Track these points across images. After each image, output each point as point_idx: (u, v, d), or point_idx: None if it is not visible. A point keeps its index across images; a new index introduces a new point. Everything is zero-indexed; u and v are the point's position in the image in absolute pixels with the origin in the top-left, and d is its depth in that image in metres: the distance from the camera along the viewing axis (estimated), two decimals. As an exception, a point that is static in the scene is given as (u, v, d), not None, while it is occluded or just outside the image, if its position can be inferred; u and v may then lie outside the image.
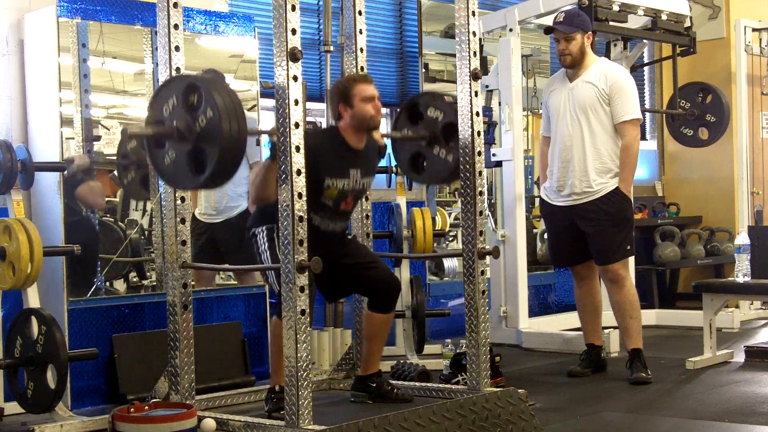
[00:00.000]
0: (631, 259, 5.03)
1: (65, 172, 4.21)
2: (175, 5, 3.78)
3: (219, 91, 3.19)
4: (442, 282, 6.30)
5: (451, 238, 6.54)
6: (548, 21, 5.36)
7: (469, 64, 3.95)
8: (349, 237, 4.29)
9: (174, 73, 3.76)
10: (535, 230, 6.85)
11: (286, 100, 3.28)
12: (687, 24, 6.20)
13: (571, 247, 4.83)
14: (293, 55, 3.27)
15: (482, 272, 3.96)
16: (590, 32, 4.79)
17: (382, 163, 4.70)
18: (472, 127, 3.94)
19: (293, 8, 3.28)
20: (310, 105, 5.66)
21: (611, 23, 5.63)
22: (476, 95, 3.96)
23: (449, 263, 6.34)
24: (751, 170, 7.28)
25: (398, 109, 6.74)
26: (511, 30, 5.87)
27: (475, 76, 3.95)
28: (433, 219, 5.36)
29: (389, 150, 4.53)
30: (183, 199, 3.84)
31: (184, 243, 3.84)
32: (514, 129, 5.79)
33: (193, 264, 3.91)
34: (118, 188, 4.68)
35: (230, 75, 4.98)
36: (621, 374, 4.70)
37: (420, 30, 6.56)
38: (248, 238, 3.99)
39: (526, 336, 5.76)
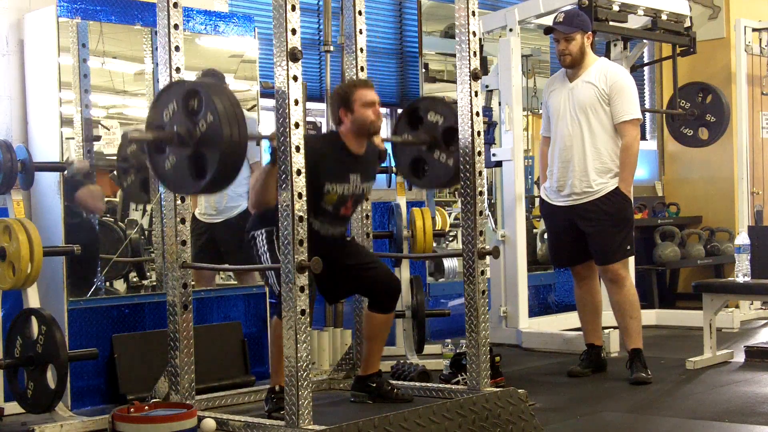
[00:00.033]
0: (631, 259, 5.03)
1: (65, 173, 4.21)
2: (175, 5, 3.78)
3: (219, 95, 3.20)
4: (442, 282, 6.30)
5: (451, 238, 6.54)
6: (548, 21, 5.36)
7: (469, 64, 3.95)
8: (348, 239, 4.29)
9: (174, 73, 3.76)
10: (535, 230, 6.85)
11: (286, 100, 3.28)
12: (687, 24, 6.20)
13: (571, 247, 4.83)
14: (293, 55, 3.27)
15: (482, 272, 3.96)
16: (590, 32, 4.79)
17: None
18: (472, 127, 3.94)
19: (293, 8, 3.28)
20: (310, 105, 5.66)
21: (611, 23, 5.63)
22: (476, 95, 3.96)
23: (449, 263, 6.34)
24: (751, 170, 7.28)
25: (398, 110, 6.78)
26: (511, 30, 5.87)
27: (475, 76, 3.95)
28: (433, 219, 5.36)
29: (390, 153, 4.53)
30: (183, 199, 3.84)
31: (184, 243, 3.84)
32: (514, 129, 5.79)
33: (193, 264, 3.91)
34: (118, 188, 4.68)
35: (230, 75, 4.99)
36: (621, 374, 4.70)
37: (420, 30, 6.56)
38: (247, 241, 3.99)
39: (526, 336, 5.76)
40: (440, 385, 4.27)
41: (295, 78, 3.29)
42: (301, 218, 3.28)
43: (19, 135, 4.35)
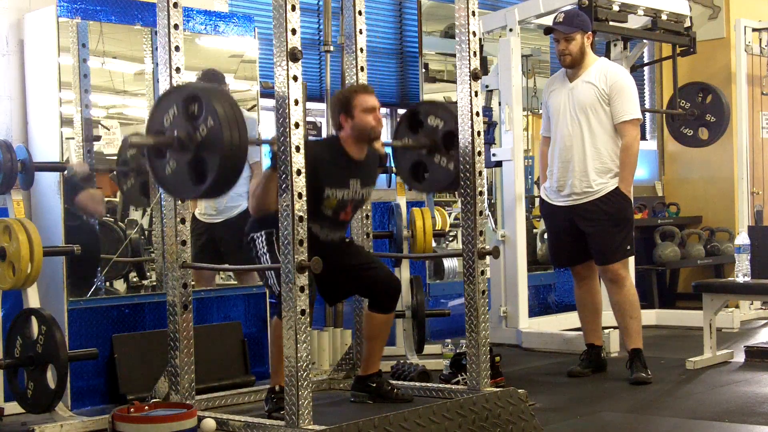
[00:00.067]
0: (631, 259, 5.03)
1: (65, 173, 4.21)
2: (175, 5, 3.78)
3: (219, 100, 3.20)
4: (442, 282, 6.30)
5: (451, 238, 6.54)
6: (548, 21, 5.37)
7: (469, 64, 3.95)
8: (347, 240, 4.29)
9: (174, 73, 3.76)
10: (535, 230, 6.85)
11: (286, 100, 3.28)
12: (687, 24, 6.20)
13: (571, 247, 4.83)
14: (293, 55, 3.27)
15: (482, 272, 3.96)
16: (590, 32, 4.79)
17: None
18: (472, 127, 3.94)
19: (293, 8, 3.28)
20: (310, 105, 5.67)
21: (611, 23, 5.63)
22: (476, 95, 3.96)
23: (449, 263, 6.34)
24: (751, 170, 7.29)
25: (398, 110, 6.78)
26: (511, 30, 5.87)
27: (475, 76, 3.95)
28: (433, 219, 5.36)
29: (390, 156, 4.54)
30: (183, 200, 3.84)
31: (184, 243, 3.84)
32: (514, 129, 5.79)
33: (193, 264, 3.91)
34: (117, 188, 4.68)
35: (230, 75, 4.99)
36: (621, 374, 4.70)
37: (420, 30, 6.56)
38: (246, 243, 3.99)
39: (526, 336, 5.76)
40: (440, 385, 4.27)
41: (295, 78, 3.29)
42: (301, 218, 3.28)
43: (19, 135, 4.35)
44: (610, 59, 5.66)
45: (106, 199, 4.62)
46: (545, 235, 6.16)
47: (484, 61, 5.79)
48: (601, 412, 4.04)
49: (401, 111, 6.79)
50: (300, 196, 3.28)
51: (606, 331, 5.13)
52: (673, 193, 8.24)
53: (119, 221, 4.66)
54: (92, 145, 4.48)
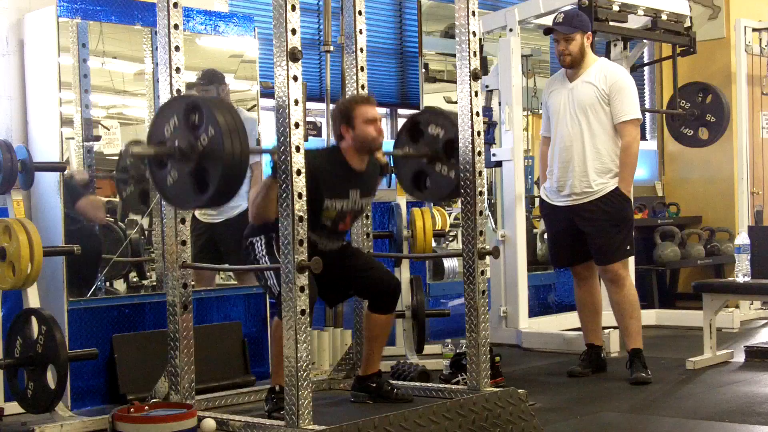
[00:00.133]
0: (631, 259, 5.03)
1: (65, 174, 4.21)
2: (175, 5, 3.78)
3: (220, 109, 3.21)
4: (442, 282, 6.30)
5: (451, 238, 6.54)
6: (548, 21, 5.36)
7: (469, 64, 3.95)
8: (345, 243, 4.29)
9: (174, 73, 3.76)
10: (535, 230, 6.85)
11: (286, 100, 3.28)
12: (687, 24, 6.21)
13: (571, 247, 4.83)
14: (293, 55, 3.27)
15: (482, 272, 3.96)
16: (590, 32, 4.79)
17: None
18: (472, 127, 3.94)
19: (293, 8, 3.28)
20: (310, 105, 5.67)
21: (611, 23, 5.63)
22: (476, 95, 3.96)
23: (449, 263, 6.34)
24: (751, 170, 7.29)
25: (398, 109, 6.78)
26: (511, 30, 5.87)
27: (475, 76, 3.95)
28: (433, 219, 5.36)
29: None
30: (184, 210, 3.84)
31: (184, 243, 3.84)
32: (514, 129, 5.79)
33: (193, 264, 3.91)
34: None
35: (230, 75, 4.99)
36: (621, 374, 4.70)
37: (420, 30, 6.56)
38: (245, 247, 4.00)
39: (526, 336, 5.76)
40: (440, 385, 4.27)
41: (295, 78, 3.29)
42: (301, 218, 3.27)
43: (19, 135, 4.35)
44: (610, 59, 5.66)
45: (106, 199, 4.62)
46: (545, 235, 6.16)
47: (484, 61, 5.79)
48: (601, 412, 4.04)
49: (401, 111, 6.81)
50: (300, 196, 3.28)
51: (606, 331, 5.13)
52: (673, 193, 8.24)
53: (119, 221, 4.65)
54: (92, 145, 4.48)
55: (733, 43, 7.21)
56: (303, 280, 3.27)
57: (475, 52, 3.95)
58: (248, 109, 4.99)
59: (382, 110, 6.68)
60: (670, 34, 6.14)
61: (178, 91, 3.78)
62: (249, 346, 4.77)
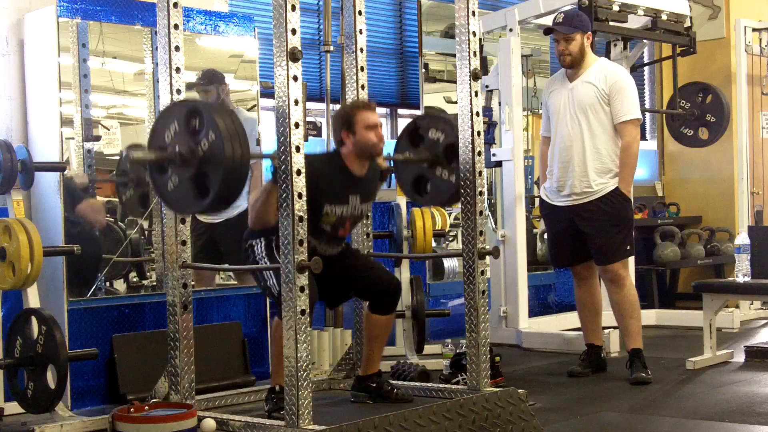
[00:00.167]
0: (631, 259, 5.03)
1: (65, 173, 4.21)
2: (175, 5, 3.78)
3: (220, 114, 3.21)
4: (442, 282, 6.30)
5: (451, 238, 6.54)
6: (548, 21, 5.36)
7: (469, 64, 3.95)
8: (344, 245, 4.29)
9: (174, 73, 3.76)
10: (535, 230, 6.85)
11: (286, 100, 3.28)
12: (687, 24, 6.21)
13: (571, 247, 4.83)
14: (293, 55, 3.27)
15: (482, 272, 3.96)
16: (590, 32, 4.79)
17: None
18: (472, 127, 3.94)
19: (293, 8, 3.28)
20: (310, 105, 5.67)
21: (611, 23, 5.63)
22: (476, 95, 3.96)
23: (449, 263, 6.34)
24: (751, 170, 7.28)
25: (398, 109, 6.78)
26: (511, 30, 5.87)
27: (475, 76, 3.95)
28: (433, 219, 5.36)
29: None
30: (185, 215, 3.84)
31: (184, 243, 3.84)
32: (514, 129, 5.79)
33: (193, 264, 3.91)
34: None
35: (230, 75, 4.99)
36: (621, 374, 4.70)
37: (420, 30, 6.56)
38: (244, 250, 4.00)
39: (526, 336, 5.76)
40: (440, 385, 4.27)
41: (295, 78, 3.29)
42: (301, 218, 3.27)
43: (19, 135, 4.35)
44: (610, 59, 5.66)
45: (106, 199, 4.62)
46: (545, 235, 6.16)
47: (484, 61, 5.79)
48: (601, 412, 4.04)
49: (401, 111, 6.81)
50: (300, 196, 3.28)
51: (606, 331, 5.13)
52: (673, 193, 8.24)
53: (119, 221, 4.65)
54: (92, 145, 4.48)
55: (733, 43, 7.21)
56: (303, 280, 3.27)
57: (475, 52, 3.95)
58: (248, 109, 4.99)
59: (382, 110, 6.68)
60: (670, 34, 6.14)
61: (178, 91, 3.78)
62: (249, 346, 4.77)
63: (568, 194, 4.74)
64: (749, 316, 6.58)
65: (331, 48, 5.34)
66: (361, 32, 4.44)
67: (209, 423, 3.61)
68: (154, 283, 4.67)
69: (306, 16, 5.88)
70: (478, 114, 3.96)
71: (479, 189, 3.95)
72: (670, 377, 4.71)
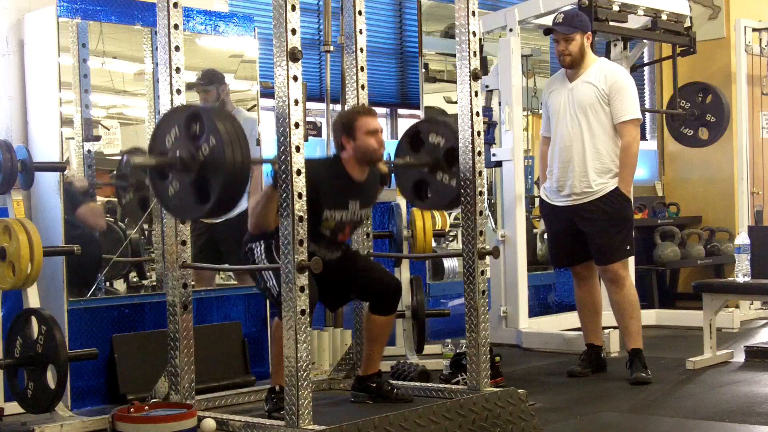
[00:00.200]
0: (631, 259, 5.03)
1: (65, 174, 4.21)
2: (175, 5, 3.78)
3: (221, 119, 3.21)
4: (442, 282, 6.30)
5: (451, 238, 6.54)
6: (548, 21, 5.37)
7: (469, 64, 3.95)
8: (344, 248, 4.29)
9: (174, 73, 3.76)
10: (535, 230, 6.85)
11: (286, 100, 3.28)
12: (687, 24, 6.21)
13: (571, 247, 4.83)
14: (293, 55, 3.27)
15: (482, 272, 3.96)
16: (590, 32, 4.79)
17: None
18: (472, 127, 3.94)
19: (293, 8, 3.28)
20: (310, 105, 5.66)
21: (611, 23, 5.63)
22: (476, 95, 3.96)
23: (449, 263, 6.34)
24: (751, 170, 7.29)
25: (398, 109, 6.78)
26: (511, 30, 5.87)
27: (475, 76, 3.95)
28: (433, 219, 5.37)
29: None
30: (186, 220, 3.84)
31: (184, 243, 3.84)
32: (514, 129, 5.79)
33: (193, 264, 3.91)
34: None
35: (230, 75, 4.99)
36: (621, 374, 4.70)
37: (420, 30, 6.56)
38: (244, 253, 4.00)
39: (526, 336, 5.76)
40: (440, 385, 4.27)
41: (295, 78, 3.29)
42: (301, 218, 3.28)
43: (19, 135, 4.35)
44: (610, 59, 5.66)
45: (107, 199, 4.62)
46: (545, 235, 6.16)
47: (484, 61, 5.79)
48: (601, 412, 4.04)
49: (401, 111, 6.81)
50: (300, 196, 3.28)
51: (606, 331, 5.13)
52: (673, 193, 8.24)
53: (119, 221, 4.65)
54: (92, 145, 4.48)
55: (733, 43, 7.21)
56: (303, 280, 3.27)
57: (475, 52, 3.95)
58: (248, 109, 4.99)
59: (382, 110, 6.68)
60: (670, 34, 6.14)
61: (178, 91, 3.78)
62: (249, 346, 4.77)
63: (568, 194, 4.74)
64: (749, 316, 6.58)
65: (331, 48, 5.34)
66: (361, 32, 4.44)
67: (209, 423, 3.61)
68: (154, 283, 4.67)
69: (306, 16, 5.88)
70: (478, 114, 3.96)
71: (479, 189, 3.95)
72: (670, 377, 4.71)
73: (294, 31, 3.28)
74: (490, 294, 5.70)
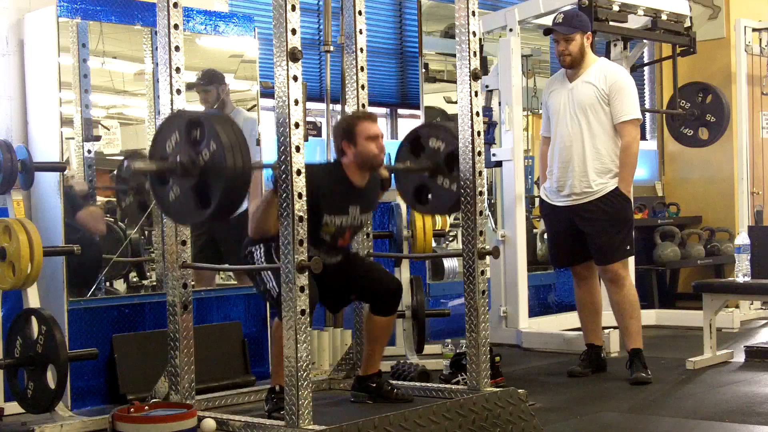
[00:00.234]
0: (631, 259, 5.03)
1: (65, 173, 4.21)
2: (175, 5, 3.78)
3: (221, 124, 3.21)
4: (442, 282, 6.30)
5: (451, 238, 6.54)
6: (548, 21, 5.36)
7: (469, 64, 3.95)
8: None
9: (174, 73, 3.76)
10: (535, 230, 6.85)
11: (286, 100, 3.28)
12: (687, 24, 6.21)
13: (571, 247, 4.83)
14: (293, 55, 3.27)
15: (482, 272, 3.96)
16: (590, 32, 4.79)
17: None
18: (472, 127, 3.94)
19: (293, 8, 3.28)
20: (310, 105, 5.66)
21: (611, 23, 5.63)
22: (476, 95, 3.96)
23: (449, 263, 6.34)
24: (751, 170, 7.29)
25: (398, 109, 6.78)
26: (511, 30, 5.87)
27: (475, 76, 3.95)
28: (433, 219, 5.36)
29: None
30: (186, 225, 3.84)
31: (184, 243, 3.84)
32: (514, 129, 5.79)
33: (193, 264, 3.91)
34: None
35: (230, 75, 4.99)
36: (621, 374, 4.71)
37: (420, 30, 6.56)
38: (244, 256, 3.99)
39: (526, 336, 5.76)
40: (440, 385, 4.27)
41: (295, 78, 3.29)
42: (301, 218, 3.28)
43: (19, 135, 4.35)
44: (610, 59, 5.66)
45: (107, 199, 4.62)
46: (545, 235, 6.16)
47: (484, 61, 5.79)
48: (601, 412, 4.04)
49: (401, 111, 6.81)
50: (300, 196, 3.28)
51: (606, 331, 5.13)
52: (673, 193, 8.24)
53: (119, 221, 4.65)
54: (92, 145, 4.48)
55: (733, 43, 7.21)
56: (303, 280, 3.27)
57: (475, 52, 3.95)
58: (248, 109, 4.99)
59: (382, 110, 6.69)
60: (670, 34, 6.14)
61: (178, 91, 3.78)
62: (249, 346, 4.77)
63: (568, 194, 4.74)
64: (749, 316, 6.58)
65: (331, 48, 5.34)
66: (361, 32, 4.44)
67: (209, 423, 3.61)
68: (154, 283, 4.67)
69: (306, 16, 5.88)
70: (478, 114, 3.96)
71: (479, 189, 3.95)
72: (670, 377, 4.71)
73: (294, 31, 3.28)
74: (490, 294, 5.70)
